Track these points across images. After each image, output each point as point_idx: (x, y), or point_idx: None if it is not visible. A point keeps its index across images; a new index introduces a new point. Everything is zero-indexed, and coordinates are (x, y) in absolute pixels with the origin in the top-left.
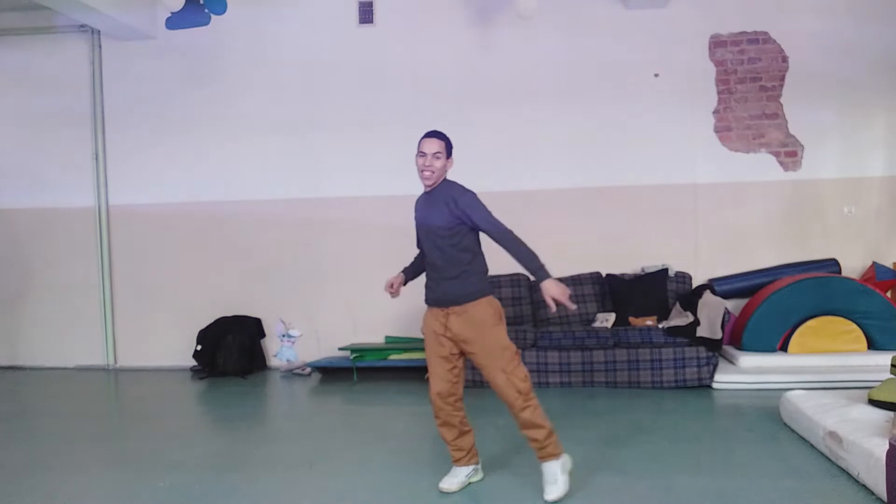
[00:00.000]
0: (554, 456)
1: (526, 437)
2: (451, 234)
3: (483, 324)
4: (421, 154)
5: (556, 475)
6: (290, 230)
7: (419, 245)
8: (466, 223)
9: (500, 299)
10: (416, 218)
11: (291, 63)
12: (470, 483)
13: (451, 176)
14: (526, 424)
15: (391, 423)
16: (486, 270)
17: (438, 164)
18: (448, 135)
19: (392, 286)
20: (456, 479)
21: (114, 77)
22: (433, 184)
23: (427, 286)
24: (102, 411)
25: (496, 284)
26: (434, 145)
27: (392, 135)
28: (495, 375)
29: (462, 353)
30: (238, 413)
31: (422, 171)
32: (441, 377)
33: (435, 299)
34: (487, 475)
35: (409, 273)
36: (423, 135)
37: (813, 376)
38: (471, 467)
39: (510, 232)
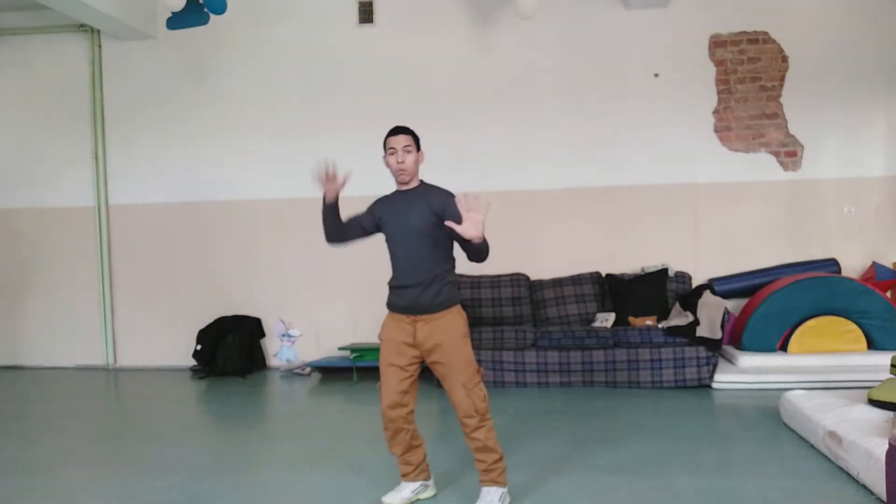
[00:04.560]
0: (497, 483)
1: (475, 457)
2: (434, 239)
3: (452, 334)
4: (391, 151)
5: (493, 502)
6: (291, 230)
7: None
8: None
9: (499, 299)
10: (384, 216)
11: (291, 63)
12: (418, 500)
13: (449, 173)
14: (476, 447)
15: None
16: (457, 279)
17: (410, 157)
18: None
19: (333, 176)
20: (401, 493)
21: (114, 77)
22: (409, 180)
23: (393, 291)
24: (102, 411)
25: (496, 284)
26: (402, 140)
27: None
28: (455, 389)
29: (418, 365)
30: (238, 413)
31: (396, 169)
32: (394, 388)
33: (403, 306)
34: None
35: (337, 211)
36: (387, 133)
37: (813, 376)
38: (419, 483)
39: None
